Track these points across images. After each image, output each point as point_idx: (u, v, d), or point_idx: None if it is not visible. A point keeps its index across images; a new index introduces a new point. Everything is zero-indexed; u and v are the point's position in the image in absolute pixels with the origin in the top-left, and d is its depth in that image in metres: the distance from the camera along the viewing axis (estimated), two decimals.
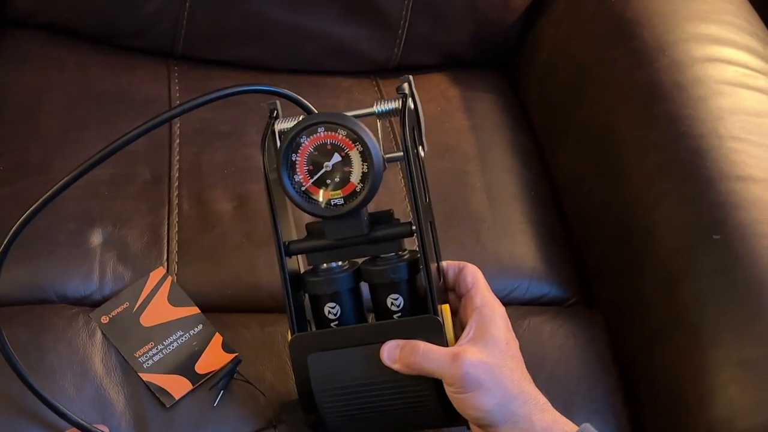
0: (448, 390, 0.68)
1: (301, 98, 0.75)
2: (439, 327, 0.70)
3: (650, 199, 0.89)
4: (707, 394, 0.78)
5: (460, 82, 1.12)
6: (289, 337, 0.73)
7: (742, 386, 0.77)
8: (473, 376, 0.67)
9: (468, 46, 1.13)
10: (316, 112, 0.74)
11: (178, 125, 0.98)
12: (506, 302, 0.76)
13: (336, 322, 0.73)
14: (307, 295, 0.75)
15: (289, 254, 0.73)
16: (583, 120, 1.01)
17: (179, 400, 0.78)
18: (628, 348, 0.90)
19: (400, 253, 0.72)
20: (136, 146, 0.91)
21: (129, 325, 0.82)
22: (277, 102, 0.74)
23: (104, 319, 0.82)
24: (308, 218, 0.72)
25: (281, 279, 0.72)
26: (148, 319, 0.83)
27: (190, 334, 0.83)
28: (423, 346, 0.69)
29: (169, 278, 0.86)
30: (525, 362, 0.71)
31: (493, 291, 0.74)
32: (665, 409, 0.83)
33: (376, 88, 1.10)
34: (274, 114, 0.73)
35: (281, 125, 0.73)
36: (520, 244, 0.96)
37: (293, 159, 0.70)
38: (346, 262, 0.74)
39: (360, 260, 0.74)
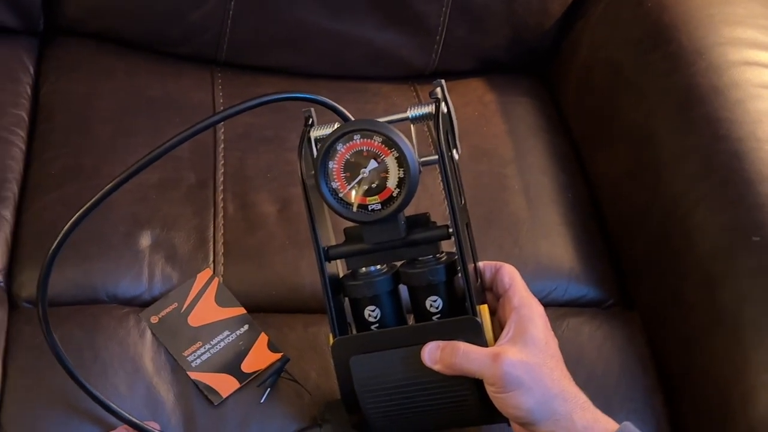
0: (489, 389, 0.69)
1: (337, 105, 0.76)
2: (479, 327, 0.71)
3: (689, 202, 0.89)
4: (748, 394, 0.78)
5: (497, 86, 1.12)
6: (331, 340, 0.74)
7: None
8: (514, 376, 0.67)
9: (505, 51, 1.13)
10: (353, 119, 0.75)
11: (222, 131, 0.99)
12: (545, 303, 0.76)
13: (376, 325, 0.74)
14: (347, 298, 0.75)
15: (329, 259, 0.74)
16: (620, 123, 1.01)
17: (226, 398, 0.80)
18: (666, 349, 0.90)
19: (437, 255, 0.73)
20: (182, 152, 0.94)
21: (177, 325, 0.84)
22: (312, 110, 0.75)
23: (154, 319, 0.84)
24: (346, 222, 0.73)
25: (321, 283, 0.73)
26: (195, 319, 0.84)
27: (236, 334, 0.84)
28: (463, 346, 0.69)
29: (216, 279, 0.87)
30: (564, 362, 0.72)
31: (532, 292, 0.74)
32: (705, 409, 0.83)
33: (414, 94, 1.10)
34: (310, 122, 0.74)
35: (318, 132, 0.73)
36: (558, 246, 0.96)
37: (330, 166, 0.70)
38: (385, 265, 0.74)
39: (398, 263, 0.75)
